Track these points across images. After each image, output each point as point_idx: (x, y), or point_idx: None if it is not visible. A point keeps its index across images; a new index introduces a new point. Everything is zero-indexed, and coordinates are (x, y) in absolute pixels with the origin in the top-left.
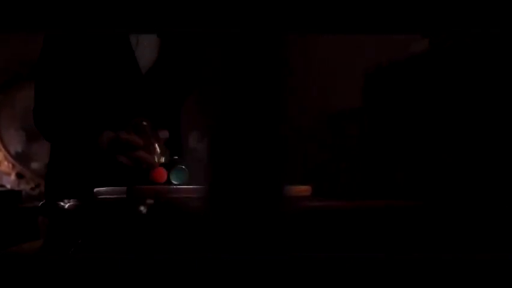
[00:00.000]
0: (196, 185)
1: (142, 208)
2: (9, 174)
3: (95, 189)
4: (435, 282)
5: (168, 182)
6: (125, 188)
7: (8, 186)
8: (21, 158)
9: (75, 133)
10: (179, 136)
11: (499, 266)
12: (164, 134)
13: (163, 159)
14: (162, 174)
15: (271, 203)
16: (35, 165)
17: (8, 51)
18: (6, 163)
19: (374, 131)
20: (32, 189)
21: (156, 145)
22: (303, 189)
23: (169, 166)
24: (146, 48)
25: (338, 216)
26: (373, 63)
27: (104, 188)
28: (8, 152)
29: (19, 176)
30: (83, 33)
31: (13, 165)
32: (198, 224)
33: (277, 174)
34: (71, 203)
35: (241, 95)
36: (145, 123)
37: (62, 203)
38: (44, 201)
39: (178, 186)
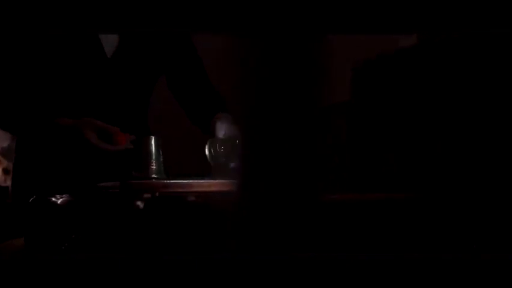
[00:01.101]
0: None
1: (139, 203)
2: None
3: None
4: (436, 282)
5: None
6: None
7: None
8: (7, 154)
9: (40, 122)
10: (146, 125)
11: (499, 266)
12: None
13: None
14: (124, 138)
15: (309, 200)
16: None
17: None
18: None
19: (363, 124)
20: None
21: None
22: None
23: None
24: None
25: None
26: (361, 57)
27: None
28: None
29: (5, 171)
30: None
31: None
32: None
33: (314, 172)
34: (63, 199)
35: (276, 94)
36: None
37: (54, 199)
38: (34, 197)
39: (175, 181)
